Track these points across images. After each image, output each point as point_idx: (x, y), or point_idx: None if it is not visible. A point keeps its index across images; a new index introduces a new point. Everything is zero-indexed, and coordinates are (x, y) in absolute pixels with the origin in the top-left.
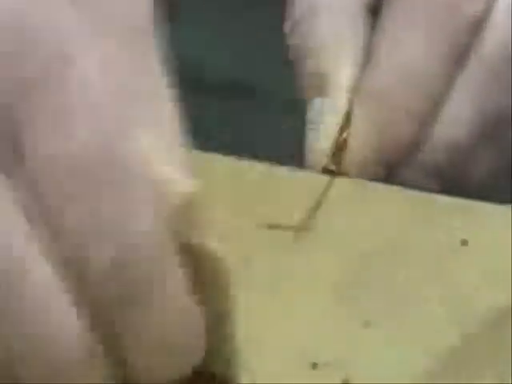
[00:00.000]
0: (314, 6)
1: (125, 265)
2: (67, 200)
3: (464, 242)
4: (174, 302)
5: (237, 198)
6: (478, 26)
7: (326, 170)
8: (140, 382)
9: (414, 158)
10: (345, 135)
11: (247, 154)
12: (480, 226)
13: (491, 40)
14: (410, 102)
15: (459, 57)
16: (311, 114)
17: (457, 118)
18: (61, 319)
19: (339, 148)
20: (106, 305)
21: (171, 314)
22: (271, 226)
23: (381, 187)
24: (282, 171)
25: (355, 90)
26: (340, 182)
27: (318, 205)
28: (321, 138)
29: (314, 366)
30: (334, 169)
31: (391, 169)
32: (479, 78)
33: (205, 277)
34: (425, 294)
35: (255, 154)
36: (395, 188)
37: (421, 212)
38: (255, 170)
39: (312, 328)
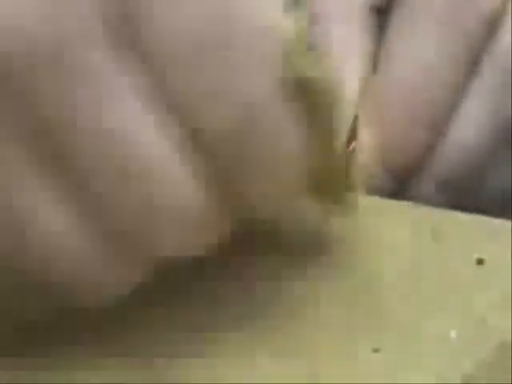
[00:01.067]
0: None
1: (241, 125)
2: (183, 69)
3: (480, 262)
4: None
5: None
6: (493, 24)
7: None
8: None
9: (424, 170)
10: (352, 148)
11: None
12: (498, 244)
13: (506, 40)
14: (421, 109)
15: (473, 58)
16: None
17: (470, 124)
18: (176, 183)
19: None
20: (224, 167)
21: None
22: None
23: (391, 204)
24: None
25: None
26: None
27: None
28: None
29: None
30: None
31: (401, 184)
32: (493, 82)
33: (321, 110)
34: (437, 318)
35: None
36: (406, 204)
37: (434, 230)
38: None
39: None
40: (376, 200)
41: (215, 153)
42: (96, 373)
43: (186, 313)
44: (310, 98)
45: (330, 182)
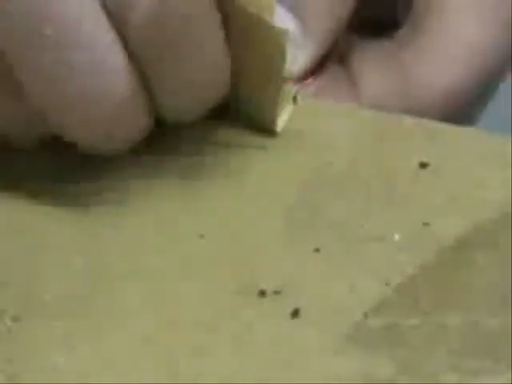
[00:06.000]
0: None
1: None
2: None
3: (423, 165)
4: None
5: None
6: None
7: None
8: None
9: None
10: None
11: None
12: (443, 148)
13: None
14: None
15: None
16: None
17: None
18: (106, 53)
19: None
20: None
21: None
22: None
23: (335, 106)
24: None
25: None
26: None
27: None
28: None
29: (263, 293)
30: None
31: None
32: None
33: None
34: (379, 219)
35: None
36: (350, 107)
37: (377, 132)
38: None
39: (260, 253)
40: (320, 102)
41: (146, 53)
42: None
43: None
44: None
45: (263, 86)
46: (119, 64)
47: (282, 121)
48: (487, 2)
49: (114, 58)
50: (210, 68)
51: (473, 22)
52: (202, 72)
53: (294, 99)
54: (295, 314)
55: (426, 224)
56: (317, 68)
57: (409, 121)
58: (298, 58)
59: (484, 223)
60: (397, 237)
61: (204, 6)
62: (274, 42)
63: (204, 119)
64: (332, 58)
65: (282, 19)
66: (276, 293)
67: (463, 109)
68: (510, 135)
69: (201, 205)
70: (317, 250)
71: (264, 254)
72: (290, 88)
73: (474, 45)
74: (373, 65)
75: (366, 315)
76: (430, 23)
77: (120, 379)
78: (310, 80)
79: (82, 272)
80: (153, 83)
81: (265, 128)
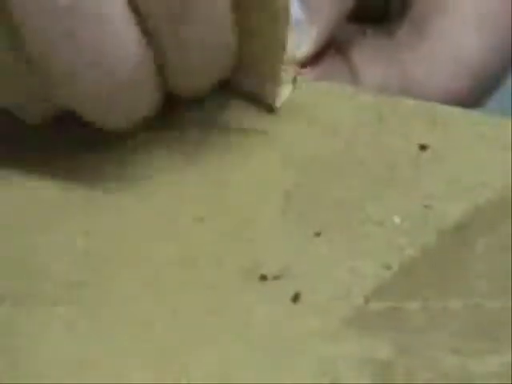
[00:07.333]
0: None
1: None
2: None
3: (423, 147)
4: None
5: None
6: None
7: None
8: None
9: None
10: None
11: None
12: (443, 130)
13: None
14: None
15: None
16: None
17: None
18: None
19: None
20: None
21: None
22: None
23: (336, 87)
24: None
25: None
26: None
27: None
28: None
29: (263, 278)
30: None
31: None
32: None
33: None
34: (380, 203)
35: None
36: (351, 89)
37: (377, 114)
38: None
39: (261, 238)
40: (320, 84)
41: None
42: None
43: None
44: None
45: (266, 53)
46: (130, 37)
47: (281, 98)
48: (487, 9)
49: (125, 30)
50: (220, 29)
51: (473, 29)
52: (212, 33)
53: (294, 81)
54: (296, 298)
55: (426, 207)
56: (314, 58)
57: (409, 103)
58: (301, 43)
59: (484, 206)
60: (397, 220)
61: None
62: (279, 4)
63: (205, 102)
64: (330, 49)
65: None
66: (276, 277)
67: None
68: (511, 118)
69: (200, 189)
70: (317, 234)
71: (264, 239)
72: (291, 68)
73: (474, 53)
74: (373, 58)
75: (366, 299)
76: (431, 28)
77: (121, 365)
78: (306, 69)
79: (82, 257)
80: (164, 46)
81: (264, 102)
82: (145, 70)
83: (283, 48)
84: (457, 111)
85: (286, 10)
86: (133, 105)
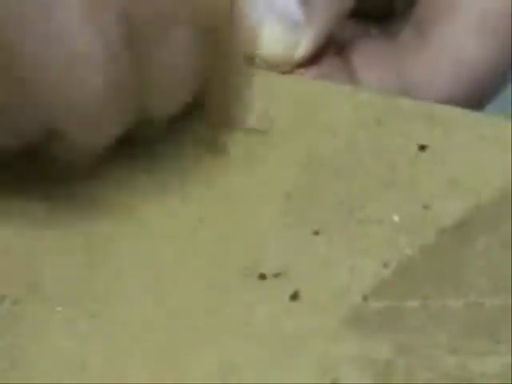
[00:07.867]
0: None
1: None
2: None
3: (422, 148)
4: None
5: None
6: None
7: None
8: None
9: None
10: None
11: None
12: (441, 130)
13: None
14: None
15: None
16: None
17: None
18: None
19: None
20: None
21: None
22: None
23: (335, 88)
24: None
25: None
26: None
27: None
28: None
29: (263, 276)
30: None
31: None
32: None
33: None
34: (379, 202)
35: None
36: (349, 89)
37: (377, 114)
38: None
39: (260, 237)
40: (320, 84)
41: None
42: None
43: None
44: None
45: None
46: (102, 56)
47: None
48: (489, 14)
49: (97, 49)
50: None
51: (475, 34)
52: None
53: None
54: (295, 296)
55: (425, 206)
56: (312, 58)
57: (408, 103)
58: (299, 44)
59: (484, 206)
60: (396, 219)
61: None
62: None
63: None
64: (329, 50)
65: (287, 2)
66: (276, 276)
67: None
68: (510, 118)
69: (200, 189)
70: (316, 232)
71: (264, 238)
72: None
73: (475, 57)
74: (373, 61)
75: (365, 298)
76: (434, 32)
77: (120, 364)
78: (304, 70)
79: (82, 257)
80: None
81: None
82: (118, 91)
83: (237, 96)
84: (456, 112)
85: (239, 55)
86: (107, 121)
